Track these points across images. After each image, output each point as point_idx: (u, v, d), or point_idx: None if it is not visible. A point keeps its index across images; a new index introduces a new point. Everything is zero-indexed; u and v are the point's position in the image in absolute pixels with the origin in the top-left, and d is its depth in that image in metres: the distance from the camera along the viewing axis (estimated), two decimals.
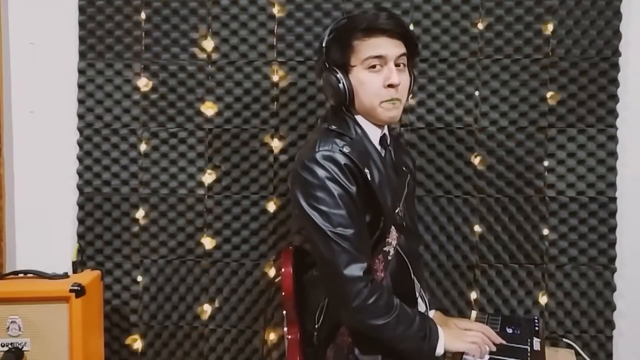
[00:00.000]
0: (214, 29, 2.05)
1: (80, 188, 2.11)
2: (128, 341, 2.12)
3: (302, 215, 1.46)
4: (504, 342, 1.58)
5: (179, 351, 2.11)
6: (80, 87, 2.10)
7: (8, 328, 1.80)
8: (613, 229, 2.00)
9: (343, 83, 1.49)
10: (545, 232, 2.02)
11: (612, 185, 2.00)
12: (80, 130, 2.10)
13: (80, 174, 2.11)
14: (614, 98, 1.98)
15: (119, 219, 2.10)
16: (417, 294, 1.64)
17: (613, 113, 1.99)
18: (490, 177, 2.02)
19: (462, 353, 1.51)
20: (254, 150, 2.06)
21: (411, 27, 1.97)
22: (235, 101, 2.06)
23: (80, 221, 2.11)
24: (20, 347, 1.80)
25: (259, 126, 2.06)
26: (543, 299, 2.03)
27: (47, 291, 1.82)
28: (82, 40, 2.09)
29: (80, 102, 2.10)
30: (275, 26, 2.04)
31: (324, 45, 1.52)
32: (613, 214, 2.00)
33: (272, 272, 2.07)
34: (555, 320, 2.03)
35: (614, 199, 2.00)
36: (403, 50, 1.52)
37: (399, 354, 1.46)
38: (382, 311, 1.42)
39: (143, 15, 2.06)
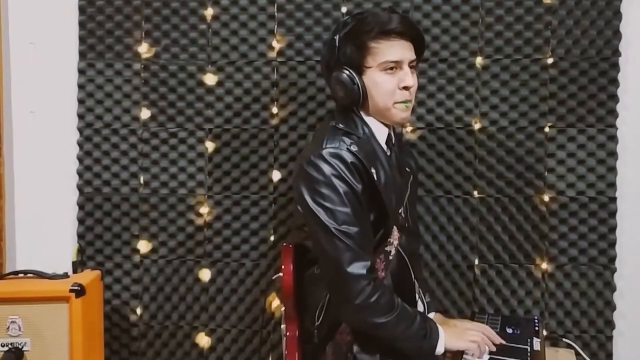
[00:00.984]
0: (214, 29, 2.05)
1: (80, 188, 2.11)
2: (128, 341, 2.12)
3: (307, 211, 1.46)
4: (503, 342, 1.58)
5: (179, 351, 2.11)
6: (80, 87, 2.10)
7: (8, 328, 1.80)
8: (613, 229, 2.00)
9: (357, 84, 1.50)
10: (545, 232, 2.01)
11: (612, 185, 2.00)
12: (80, 130, 2.10)
13: (80, 174, 2.11)
14: (614, 98, 1.98)
15: (119, 219, 2.10)
16: (417, 296, 1.64)
17: (613, 113, 1.99)
18: (490, 177, 2.02)
19: (462, 352, 1.51)
20: (254, 150, 2.06)
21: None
22: (235, 101, 2.06)
23: (80, 221, 2.11)
24: (20, 347, 1.80)
25: (259, 126, 2.06)
26: (543, 299, 2.03)
27: (47, 291, 1.82)
28: (82, 40, 2.09)
29: (80, 102, 2.10)
30: (275, 26, 2.04)
31: (336, 44, 1.51)
32: (613, 214, 2.00)
33: (271, 272, 2.07)
34: (555, 320, 2.03)
35: (614, 199, 2.00)
36: (414, 54, 1.54)
37: (399, 352, 1.46)
38: (384, 309, 1.43)
39: (143, 15, 2.06)
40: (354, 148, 1.47)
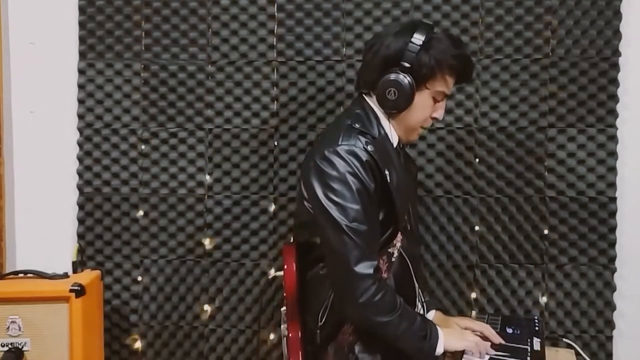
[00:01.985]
0: (214, 29, 2.05)
1: (80, 188, 2.11)
2: (128, 341, 2.12)
3: (317, 207, 1.46)
4: (502, 341, 1.58)
5: (179, 351, 2.11)
6: (80, 87, 2.10)
7: (8, 328, 1.80)
8: (613, 229, 2.00)
9: (413, 97, 1.49)
10: (545, 232, 2.01)
11: (612, 185, 2.00)
12: (80, 130, 2.10)
13: (80, 174, 2.11)
14: (614, 98, 1.98)
15: (119, 219, 2.10)
16: (417, 299, 1.64)
17: (613, 113, 1.99)
18: (490, 177, 2.02)
19: (462, 352, 1.51)
20: (254, 150, 2.06)
21: None
22: (235, 101, 2.06)
23: (80, 221, 2.11)
24: (20, 347, 1.80)
25: (259, 126, 2.06)
26: (543, 299, 2.03)
27: (47, 291, 1.82)
28: (82, 40, 2.09)
29: (80, 102, 2.10)
30: (275, 26, 2.04)
31: (418, 48, 1.46)
32: (613, 214, 2.00)
33: (271, 272, 2.07)
34: (555, 320, 2.03)
35: (614, 199, 2.00)
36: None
37: (400, 352, 1.47)
38: (386, 309, 1.43)
39: (143, 15, 2.06)
40: (370, 148, 1.47)
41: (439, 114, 1.55)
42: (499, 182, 2.02)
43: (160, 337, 2.12)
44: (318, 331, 1.55)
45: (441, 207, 2.04)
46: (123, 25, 2.07)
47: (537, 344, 1.61)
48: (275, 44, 2.04)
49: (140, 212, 2.09)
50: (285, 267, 1.57)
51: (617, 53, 1.97)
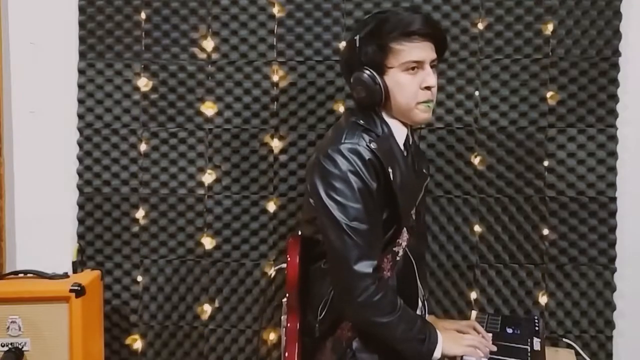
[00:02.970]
0: (214, 29, 2.05)
1: (80, 188, 2.11)
2: (128, 341, 2.12)
3: (319, 205, 1.46)
4: (495, 348, 1.57)
5: (179, 351, 2.11)
6: (80, 87, 2.10)
7: (8, 328, 1.80)
8: (613, 229, 2.00)
9: (379, 84, 1.49)
10: (545, 232, 2.02)
11: (612, 185, 2.00)
12: (80, 130, 2.10)
13: (80, 174, 2.11)
14: (614, 98, 1.98)
15: (119, 219, 2.10)
16: (420, 299, 1.64)
17: (613, 113, 1.99)
18: (490, 177, 2.02)
19: (461, 357, 1.51)
20: (254, 150, 2.06)
21: None
22: (235, 101, 2.06)
23: (80, 221, 2.11)
24: (20, 347, 1.80)
25: (259, 126, 2.06)
26: (543, 299, 2.03)
27: (47, 291, 1.82)
28: (82, 40, 2.09)
29: (80, 102, 2.10)
30: (275, 26, 2.04)
31: (357, 44, 1.50)
32: (613, 214, 2.00)
33: (272, 272, 2.07)
34: (555, 320, 2.03)
35: (614, 199, 2.00)
36: (435, 54, 1.53)
37: (398, 354, 1.47)
38: (386, 309, 1.43)
39: (143, 15, 2.06)
40: (373, 145, 1.46)
41: (428, 81, 1.50)
42: (499, 182, 2.02)
43: (160, 337, 2.12)
44: (317, 325, 1.55)
45: (441, 207, 2.04)
46: (123, 25, 2.07)
47: (537, 344, 1.61)
48: (275, 44, 2.04)
49: (141, 212, 2.09)
50: (289, 258, 1.57)
51: (617, 53, 1.97)
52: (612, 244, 2.01)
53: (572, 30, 1.98)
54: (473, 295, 2.04)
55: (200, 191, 2.08)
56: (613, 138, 2.00)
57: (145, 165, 2.09)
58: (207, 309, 2.10)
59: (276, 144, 2.06)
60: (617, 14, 1.96)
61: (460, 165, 2.03)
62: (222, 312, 2.09)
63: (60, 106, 2.12)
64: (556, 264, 2.02)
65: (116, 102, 2.09)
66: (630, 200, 2.02)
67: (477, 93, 2.01)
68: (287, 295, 1.59)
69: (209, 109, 2.07)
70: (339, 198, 1.43)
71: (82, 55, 2.09)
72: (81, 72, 2.09)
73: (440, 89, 2.00)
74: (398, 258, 1.57)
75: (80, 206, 2.11)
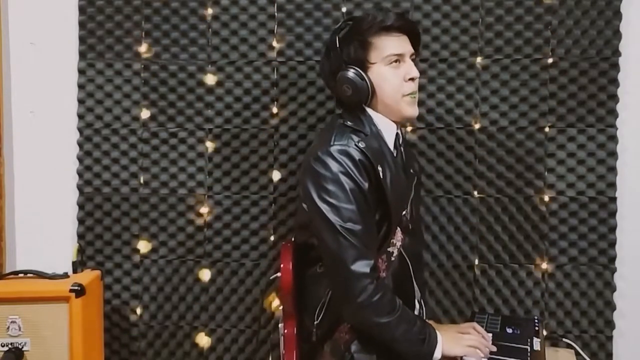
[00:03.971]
0: (214, 29, 2.05)
1: (80, 188, 2.11)
2: (128, 341, 2.12)
3: (313, 208, 1.46)
4: (495, 348, 1.57)
5: (179, 351, 2.11)
6: (80, 87, 2.10)
7: (8, 328, 1.80)
8: (613, 229, 2.00)
9: (366, 80, 1.51)
10: (545, 232, 2.01)
11: (612, 185, 2.00)
12: (80, 130, 2.10)
13: (80, 174, 2.11)
14: (614, 98, 1.98)
15: (119, 219, 2.10)
16: (416, 299, 1.64)
17: (613, 113, 1.99)
18: (490, 177, 2.02)
19: (461, 357, 1.51)
20: (254, 150, 2.06)
21: None
22: (235, 101, 2.06)
23: (80, 221, 2.11)
24: (20, 347, 1.80)
25: (259, 126, 2.06)
26: (543, 299, 2.03)
27: (47, 291, 1.82)
28: (82, 40, 2.09)
29: (80, 102, 2.10)
30: (275, 26, 2.04)
31: (337, 45, 1.52)
32: (613, 214, 2.00)
33: (271, 272, 2.07)
34: (555, 320, 2.03)
35: (614, 199, 2.00)
36: (412, 47, 1.58)
37: (397, 355, 1.46)
38: (386, 309, 1.43)
39: (143, 15, 2.06)
40: (361, 145, 1.47)
41: (412, 72, 1.53)
42: (499, 182, 2.02)
43: (160, 337, 2.11)
44: (314, 329, 1.55)
45: (441, 207, 2.04)
46: (123, 25, 2.07)
47: (537, 344, 1.61)
48: (275, 44, 2.04)
49: (141, 212, 2.09)
50: (282, 265, 1.58)
51: (617, 53, 1.97)
52: (612, 244, 2.01)
53: (572, 30, 1.98)
54: (473, 295, 2.04)
55: (200, 191, 2.08)
56: (613, 138, 1.99)
57: (145, 165, 2.09)
58: (207, 309, 2.10)
59: (276, 144, 2.06)
60: (617, 14, 1.96)
61: (460, 165, 2.03)
62: (222, 312, 2.09)
63: (60, 106, 2.12)
64: (556, 264, 2.02)
65: (116, 102, 2.09)
66: (630, 200, 2.02)
67: (477, 97, 2.01)
68: (282, 302, 1.59)
69: (208, 109, 2.07)
70: (331, 200, 1.43)
71: (82, 55, 2.09)
72: (81, 72, 2.09)
73: (440, 89, 2.01)
74: (393, 258, 1.57)
75: (80, 206, 2.11)
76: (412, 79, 1.54)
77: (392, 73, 1.53)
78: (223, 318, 2.10)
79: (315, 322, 1.55)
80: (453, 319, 2.03)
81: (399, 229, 1.57)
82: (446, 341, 1.49)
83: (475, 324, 1.65)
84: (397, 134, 1.60)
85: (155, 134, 2.09)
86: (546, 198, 2.01)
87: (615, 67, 1.97)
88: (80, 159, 2.10)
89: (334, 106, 2.02)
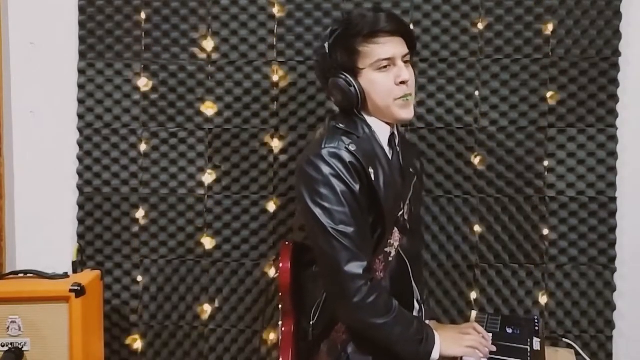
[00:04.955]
0: (214, 29, 2.05)
1: (80, 188, 2.11)
2: (128, 341, 2.12)
3: (306, 211, 1.46)
4: (495, 348, 1.57)
5: (179, 351, 2.11)
6: (80, 87, 2.10)
7: (8, 328, 1.80)
8: (613, 229, 2.00)
9: (354, 86, 1.50)
10: (545, 232, 2.02)
11: (612, 185, 2.00)
12: (80, 130, 2.10)
13: (80, 174, 2.11)
14: (614, 98, 1.98)
15: (119, 219, 2.10)
16: (415, 299, 1.64)
17: (613, 113, 1.99)
18: (490, 177, 2.02)
19: (460, 357, 1.51)
20: (254, 150, 2.06)
21: (411, 26, 1.96)
22: (235, 101, 2.06)
23: (80, 221, 2.11)
24: (20, 347, 1.80)
25: (259, 126, 2.06)
26: (543, 299, 2.03)
27: (47, 291, 1.82)
28: (82, 40, 2.09)
29: (80, 102, 2.10)
30: (275, 26, 2.04)
31: (326, 50, 1.52)
32: (613, 214, 2.00)
33: (272, 272, 2.07)
34: (555, 320, 2.03)
35: (614, 199, 2.00)
36: (406, 48, 1.54)
37: (394, 356, 1.46)
38: (381, 310, 1.43)
39: (143, 15, 2.06)
40: (352, 147, 1.47)
41: (402, 76, 1.51)
42: (499, 182, 2.02)
43: (160, 337, 2.11)
44: (311, 329, 1.56)
45: (441, 207, 2.04)
46: (123, 25, 2.07)
47: (537, 344, 1.61)
48: (275, 44, 2.04)
49: (141, 212, 2.09)
50: (281, 265, 1.59)
51: (617, 53, 1.97)
52: (612, 244, 2.01)
53: (572, 30, 1.98)
54: (473, 295, 2.04)
55: (200, 191, 2.08)
56: (613, 138, 2.00)
57: (145, 165, 2.09)
58: (207, 309, 2.10)
59: (276, 144, 2.06)
60: (617, 14, 1.96)
61: (460, 165, 2.03)
62: (222, 312, 2.09)
63: (60, 106, 2.12)
64: (556, 264, 2.02)
65: (116, 102, 2.09)
66: (630, 200, 2.02)
67: (477, 93, 2.01)
68: (280, 301, 1.60)
69: (208, 109, 2.07)
70: (323, 203, 1.43)
71: (82, 55, 2.09)
72: (81, 72, 2.09)
73: (440, 89, 2.01)
74: (390, 259, 1.57)
75: (80, 206, 2.11)
76: (403, 82, 1.51)
77: (382, 77, 1.51)
78: (223, 318, 2.10)
79: (312, 322, 1.55)
80: (453, 319, 2.03)
81: (396, 229, 1.57)
82: (445, 342, 1.49)
83: (475, 324, 1.65)
84: (392, 134, 1.60)
85: (155, 134, 2.09)
86: (546, 198, 2.01)
87: (615, 67, 1.97)
88: (80, 159, 2.10)
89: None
